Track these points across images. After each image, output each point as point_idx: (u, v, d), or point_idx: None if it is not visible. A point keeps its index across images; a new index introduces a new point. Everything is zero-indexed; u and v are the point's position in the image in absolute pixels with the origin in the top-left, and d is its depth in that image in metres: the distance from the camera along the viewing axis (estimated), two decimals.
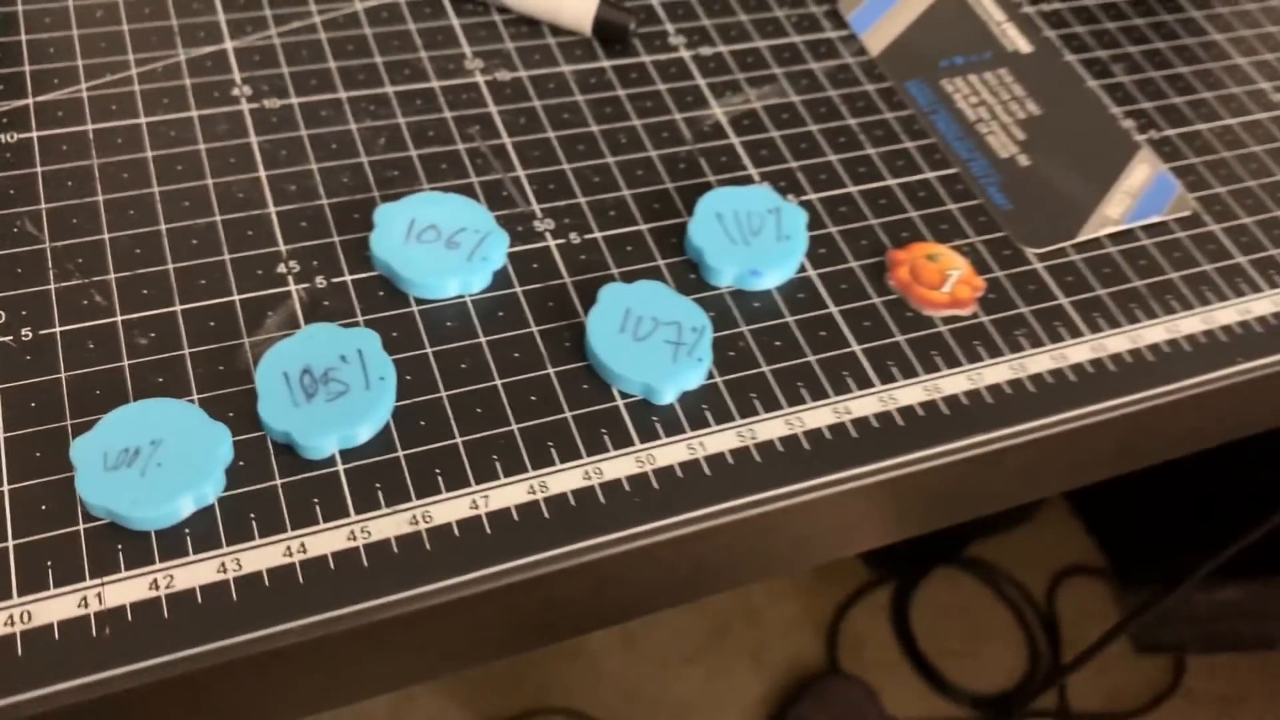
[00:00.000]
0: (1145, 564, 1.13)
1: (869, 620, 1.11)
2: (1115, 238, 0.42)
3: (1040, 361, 0.38)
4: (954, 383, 0.37)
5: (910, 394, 0.37)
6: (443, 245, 0.37)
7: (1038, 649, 1.11)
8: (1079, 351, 0.39)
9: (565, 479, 0.33)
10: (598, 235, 0.39)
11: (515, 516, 0.32)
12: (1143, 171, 0.44)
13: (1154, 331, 0.40)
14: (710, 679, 1.05)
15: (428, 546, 0.31)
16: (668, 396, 0.35)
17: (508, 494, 0.33)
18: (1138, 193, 0.43)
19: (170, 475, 0.31)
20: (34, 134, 0.38)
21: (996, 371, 0.38)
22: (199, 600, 0.30)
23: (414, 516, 0.32)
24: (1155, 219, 0.43)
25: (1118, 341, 0.39)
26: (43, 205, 0.37)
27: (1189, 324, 0.40)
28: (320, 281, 0.36)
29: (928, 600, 1.13)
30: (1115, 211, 0.43)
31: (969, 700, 1.07)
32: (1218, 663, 1.11)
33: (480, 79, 0.43)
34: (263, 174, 0.39)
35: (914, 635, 1.10)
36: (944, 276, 0.39)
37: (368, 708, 0.98)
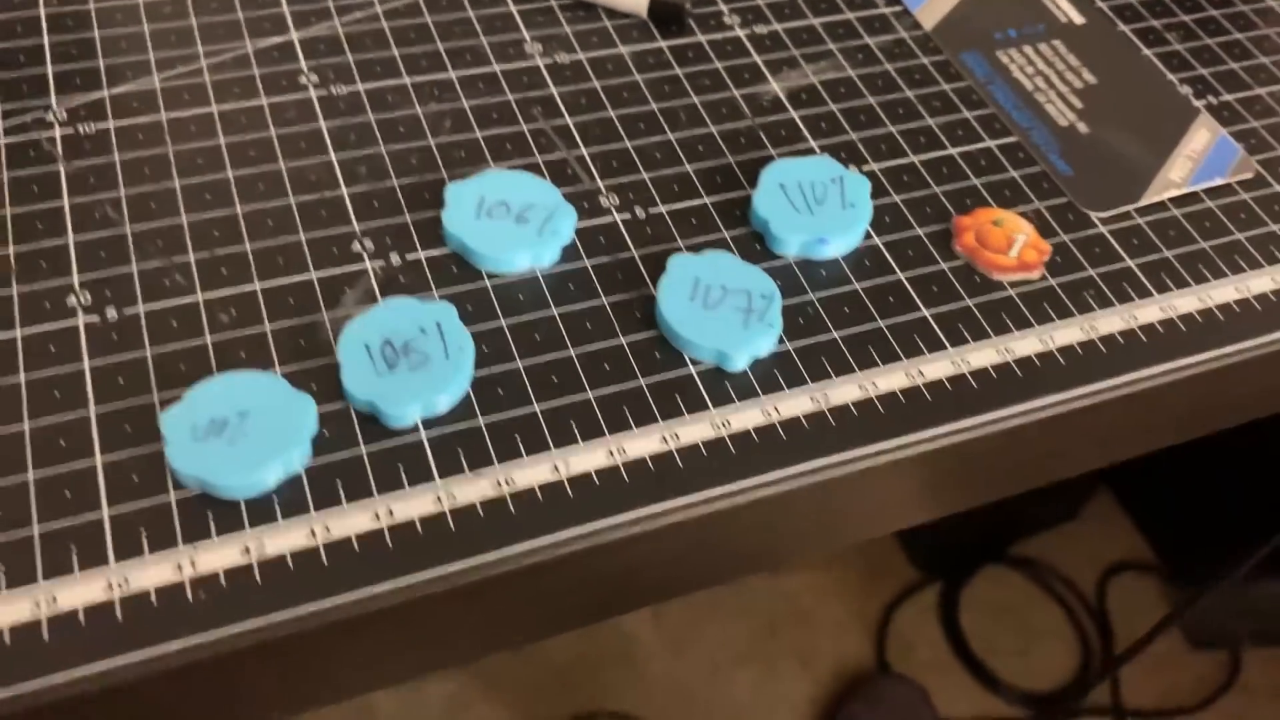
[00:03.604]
0: (1196, 559, 1.12)
1: (917, 621, 1.11)
2: (1178, 201, 0.42)
3: (1111, 322, 0.38)
4: (1026, 344, 0.37)
5: (983, 356, 0.37)
6: (513, 221, 0.37)
7: (1089, 646, 1.10)
8: (1149, 311, 0.39)
9: (643, 443, 0.33)
10: (662, 209, 0.39)
11: (596, 480, 0.33)
12: (1203, 136, 0.44)
13: (1224, 291, 0.39)
14: (760, 681, 1.05)
15: (512, 510, 0.32)
16: (740, 363, 0.35)
17: (587, 458, 0.33)
18: (1199, 156, 0.43)
19: (258, 444, 0.31)
20: (110, 124, 0.39)
21: (1068, 333, 0.38)
22: (290, 565, 0.30)
23: (497, 481, 0.32)
24: (1219, 181, 0.43)
25: (1187, 301, 0.39)
26: (122, 192, 0.37)
27: (1259, 283, 0.40)
28: (394, 259, 0.37)
29: (976, 599, 1.12)
30: (1178, 175, 0.43)
31: (1021, 699, 1.06)
32: (1275, 655, 1.10)
33: (540, 62, 0.43)
34: (333, 157, 0.39)
35: (964, 635, 1.09)
36: (1010, 241, 0.39)
37: (418, 713, 0.98)
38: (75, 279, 0.35)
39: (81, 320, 0.34)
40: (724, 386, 0.35)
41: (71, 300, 0.34)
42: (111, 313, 0.34)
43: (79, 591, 0.29)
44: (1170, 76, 0.47)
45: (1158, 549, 1.15)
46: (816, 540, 0.38)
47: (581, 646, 1.03)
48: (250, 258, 0.36)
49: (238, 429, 0.31)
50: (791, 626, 1.08)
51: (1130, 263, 0.40)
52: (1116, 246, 0.40)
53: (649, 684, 1.03)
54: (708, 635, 1.06)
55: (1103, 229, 0.41)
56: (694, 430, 0.34)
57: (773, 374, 0.36)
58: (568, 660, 1.03)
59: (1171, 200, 0.42)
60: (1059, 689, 1.07)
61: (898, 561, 1.14)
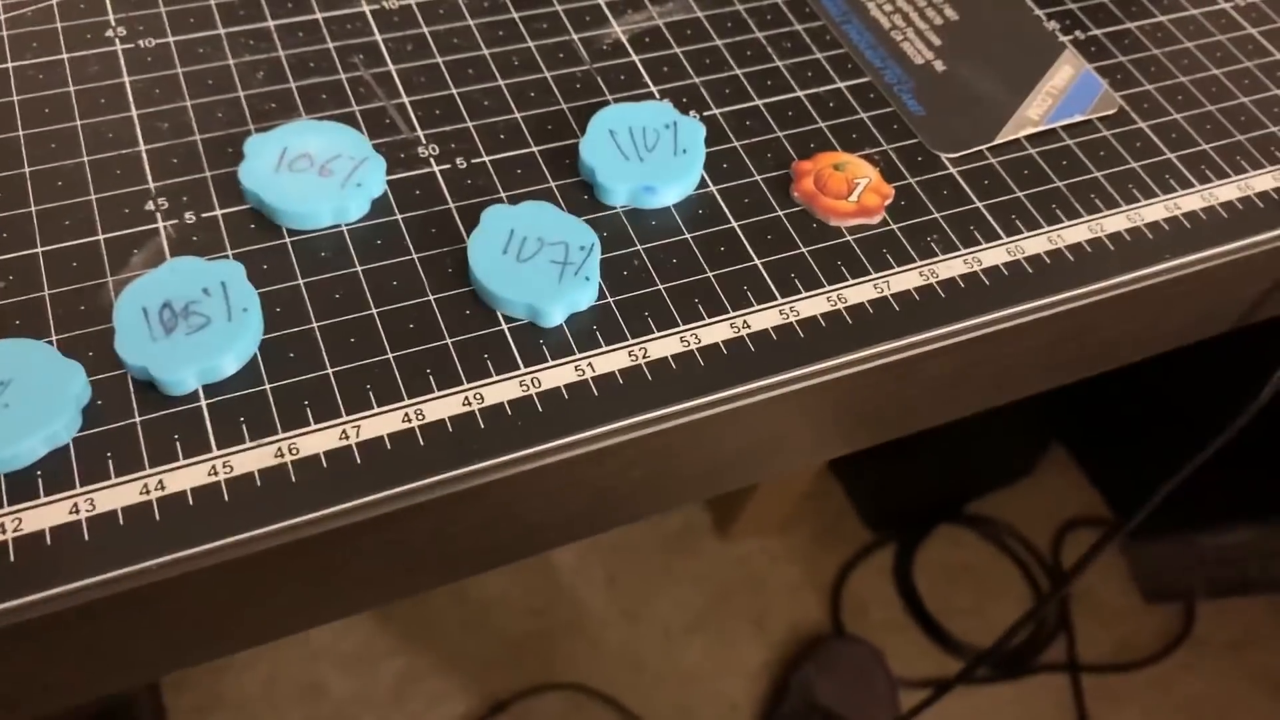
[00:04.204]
0: (1151, 513, 1.11)
1: (872, 582, 1.10)
2: (1035, 139, 0.40)
3: (952, 266, 0.36)
4: (860, 291, 0.35)
5: (813, 305, 0.35)
6: (315, 174, 0.35)
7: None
8: (994, 254, 0.37)
9: (443, 406, 0.32)
10: (485, 159, 0.38)
11: (388, 445, 0.31)
12: (1066, 72, 0.42)
13: (1075, 231, 0.38)
14: (714, 647, 1.04)
15: (293, 478, 0.30)
16: (555, 318, 0.34)
17: (380, 423, 0.31)
18: (1060, 93, 0.41)
19: (19, 415, 0.29)
20: None
21: (906, 279, 0.36)
22: (48, 542, 0.28)
23: (279, 449, 0.30)
24: (1078, 118, 0.41)
25: (1036, 243, 0.37)
26: None
27: (1113, 222, 0.38)
28: (189, 217, 0.35)
29: (931, 559, 1.11)
30: (1036, 112, 0.41)
31: (976, 657, 1.05)
32: (1227, 607, 1.09)
33: (366, 8, 0.41)
34: (134, 113, 0.37)
35: (919, 595, 1.08)
36: (851, 185, 0.38)
37: (370, 688, 0.97)
38: None
39: None
40: (537, 344, 0.33)
41: None
42: None
43: None
44: (1037, 11, 0.45)
45: (1112, 504, 1.14)
46: (648, 500, 0.36)
47: (533, 618, 1.02)
48: (35, 219, 0.34)
49: None
50: (745, 591, 1.08)
51: (979, 204, 0.38)
52: (966, 188, 0.39)
53: (602, 654, 1.02)
54: (660, 603, 1.05)
55: (952, 170, 0.39)
56: (500, 390, 0.32)
57: (591, 329, 0.34)
58: (520, 633, 1.02)
59: (1028, 139, 0.40)
60: (1015, 646, 1.06)
61: (851, 523, 1.13)
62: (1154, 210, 0.38)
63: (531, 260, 0.34)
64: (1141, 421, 1.07)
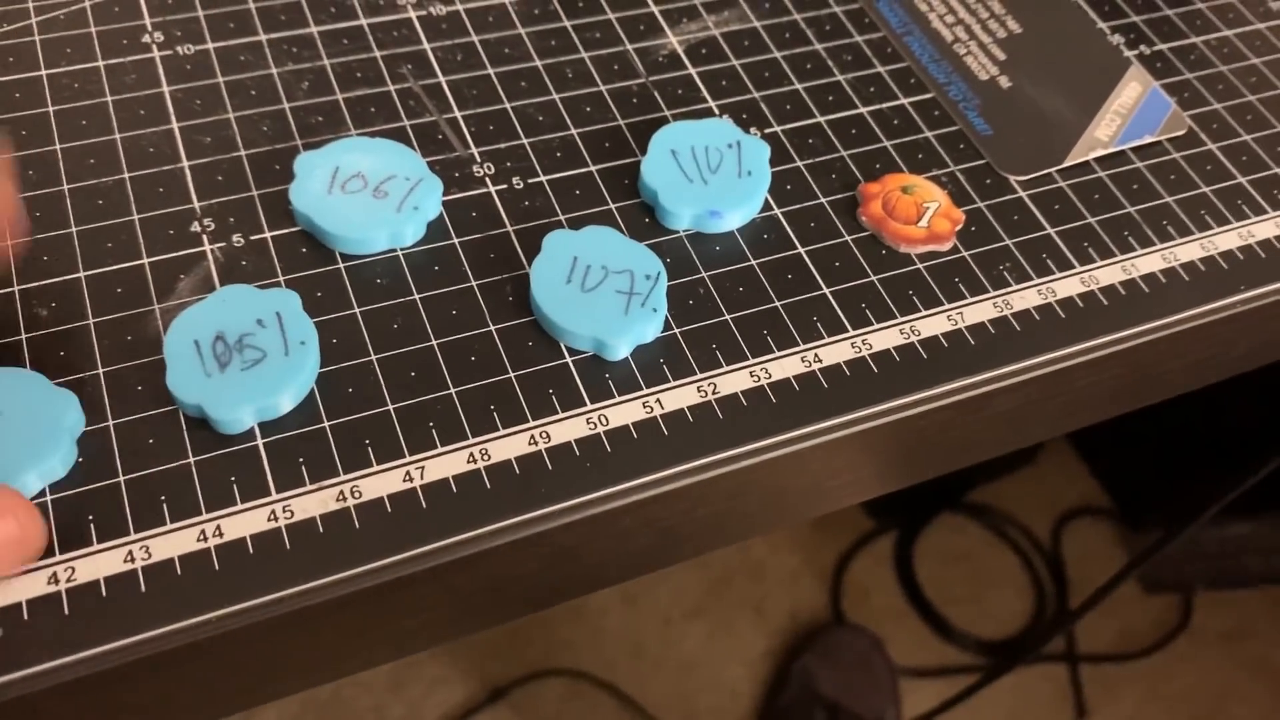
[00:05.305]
0: (1150, 504, 1.11)
1: (872, 570, 1.09)
2: (1105, 161, 0.39)
3: (1026, 297, 0.35)
4: (933, 324, 0.34)
5: (886, 338, 0.34)
6: (369, 195, 0.34)
7: (1044, 593, 1.09)
8: (1068, 285, 0.36)
9: (509, 445, 0.30)
10: (543, 179, 0.36)
11: (454, 488, 0.30)
12: (1134, 90, 0.41)
13: (1149, 260, 0.37)
14: (714, 634, 1.03)
15: (356, 524, 0.29)
16: (621, 351, 0.32)
17: (445, 464, 0.30)
18: (1129, 113, 0.40)
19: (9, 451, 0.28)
20: None
21: (979, 310, 0.35)
22: (103, 593, 0.27)
23: (341, 493, 0.29)
24: (1148, 139, 0.40)
25: (1110, 272, 0.36)
26: None
27: (1187, 251, 0.37)
28: (237, 240, 0.33)
29: (931, 547, 1.11)
30: (1105, 133, 0.39)
31: (976, 646, 1.05)
32: (1225, 599, 1.09)
33: (413, 14, 0.40)
34: (175, 126, 0.35)
35: (918, 583, 1.08)
36: (920, 210, 0.36)
37: (368, 675, 0.97)
38: None
39: None
40: (602, 378, 0.32)
41: None
42: None
43: None
44: (1100, 25, 0.43)
45: (1113, 494, 1.14)
46: (711, 537, 0.35)
47: None
48: (76, 241, 0.33)
49: None
50: (745, 578, 1.07)
51: (1050, 230, 0.37)
52: (1037, 213, 0.37)
53: (602, 639, 1.01)
54: (660, 590, 1.05)
55: (1022, 194, 0.38)
56: (567, 428, 0.31)
57: (657, 363, 0.33)
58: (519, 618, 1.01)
59: (1098, 161, 0.39)
60: (1014, 636, 1.06)
61: (852, 510, 1.12)
62: (1228, 238, 0.37)
63: (596, 290, 0.33)
64: (1142, 413, 1.07)
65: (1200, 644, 1.08)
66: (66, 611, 0.27)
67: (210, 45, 0.38)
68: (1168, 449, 1.06)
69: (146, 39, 0.37)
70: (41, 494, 0.28)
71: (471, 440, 0.30)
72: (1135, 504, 1.13)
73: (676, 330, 0.33)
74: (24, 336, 0.31)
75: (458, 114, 0.37)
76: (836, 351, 0.33)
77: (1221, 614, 1.09)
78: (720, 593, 1.06)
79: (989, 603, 1.09)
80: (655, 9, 0.41)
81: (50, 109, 0.35)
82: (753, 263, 0.35)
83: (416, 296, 0.33)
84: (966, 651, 1.05)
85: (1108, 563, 1.11)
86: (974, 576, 1.10)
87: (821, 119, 0.39)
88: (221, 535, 0.28)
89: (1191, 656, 1.07)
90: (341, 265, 0.33)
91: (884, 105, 0.39)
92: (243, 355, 0.30)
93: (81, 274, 0.32)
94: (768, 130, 0.38)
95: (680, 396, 0.32)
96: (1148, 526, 1.11)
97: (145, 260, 0.32)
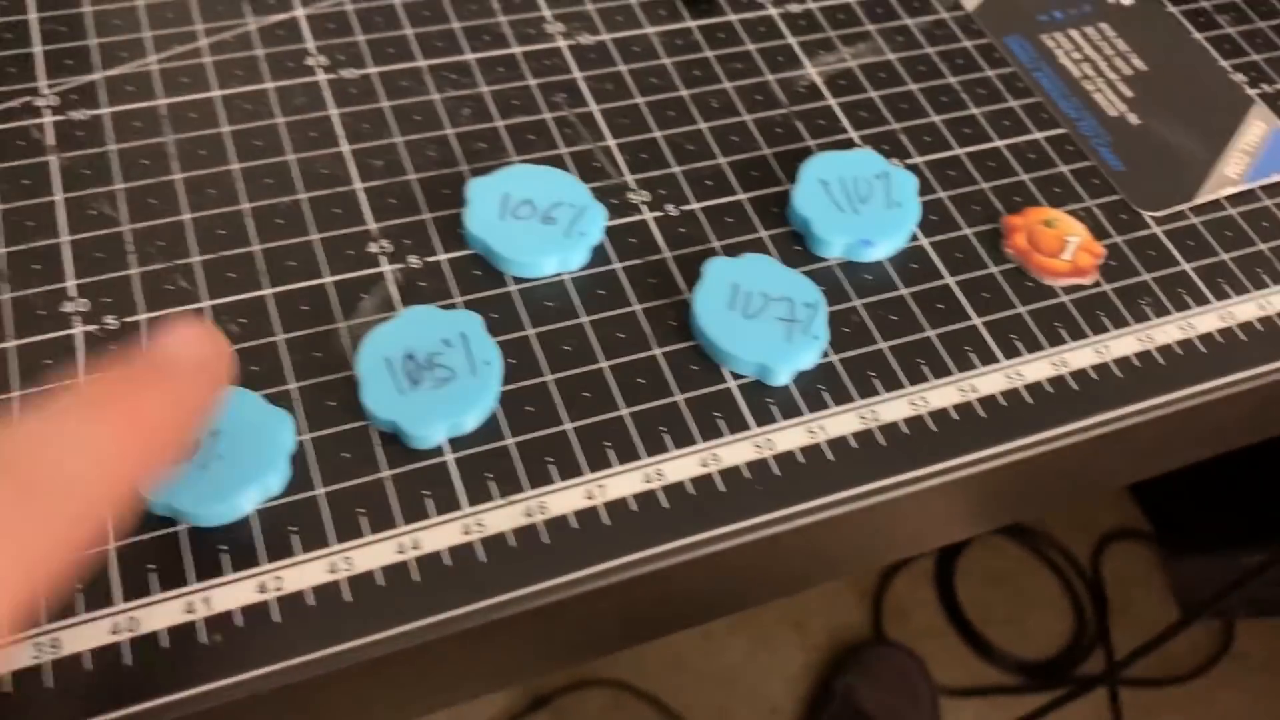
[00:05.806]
0: (1190, 528, 1.12)
1: (913, 588, 1.10)
2: (1235, 199, 0.40)
3: (1168, 332, 0.36)
4: (1081, 356, 0.35)
5: (1037, 369, 0.35)
6: (539, 221, 0.35)
7: (1084, 615, 1.10)
8: (1207, 320, 0.37)
9: (682, 466, 0.31)
10: (695, 206, 0.37)
11: (633, 506, 0.31)
12: (1258, 128, 0.42)
13: None
14: (754, 649, 1.04)
15: (545, 539, 0.30)
16: (783, 377, 0.33)
17: (623, 483, 0.31)
18: (1255, 150, 0.41)
19: (232, 468, 0.29)
20: (105, 110, 0.36)
21: (1124, 344, 0.36)
22: (310, 602, 0.28)
23: (528, 508, 0.30)
24: (1276, 178, 0.41)
25: (1247, 309, 0.37)
26: (118, 185, 0.35)
27: None
28: (414, 261, 0.34)
29: (972, 567, 1.11)
30: (1234, 171, 0.40)
31: (1016, 667, 1.06)
32: (1267, 625, 1.10)
33: (563, 43, 0.41)
34: (345, 148, 0.37)
35: (959, 603, 1.08)
36: (1063, 243, 0.37)
37: None
38: (71, 284, 0.32)
39: (79, 330, 0.32)
40: (765, 403, 0.33)
41: (67, 307, 0.32)
42: (111, 320, 0.32)
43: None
44: (1223, 63, 0.44)
45: (1153, 518, 1.15)
46: (857, 562, 0.36)
47: None
48: (259, 259, 0.34)
49: (210, 451, 0.29)
50: None
51: (1186, 266, 0.38)
52: (1172, 249, 0.38)
53: (642, 652, 1.02)
54: None
55: (1156, 230, 0.39)
56: (736, 451, 0.32)
57: (816, 390, 0.33)
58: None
59: (1228, 199, 0.40)
60: (1053, 657, 1.07)
61: None
62: None
63: (758, 317, 0.34)
64: None
65: (1243, 670, 1.08)
66: (277, 619, 0.28)
67: (371, 70, 0.39)
68: (1208, 472, 1.07)
69: (310, 62, 0.39)
70: None
71: (646, 460, 0.31)
72: (1175, 527, 1.13)
73: (834, 358, 0.34)
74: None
75: (610, 142, 0.38)
76: (991, 382, 0.34)
77: (1264, 640, 1.10)
78: (761, 609, 1.06)
79: (1029, 624, 1.09)
80: (793, 40, 0.42)
81: (224, 129, 0.36)
82: (903, 292, 0.36)
83: (584, 319, 0.34)
84: (1007, 672, 1.06)
85: (1147, 585, 1.12)
86: (1014, 597, 1.11)
87: (960, 151, 0.40)
88: (419, 548, 0.29)
89: (1233, 683, 1.07)
90: (513, 288, 0.34)
91: (1019, 139, 0.41)
92: (433, 374, 0.31)
93: (267, 290, 0.33)
94: (909, 161, 0.39)
95: (843, 423, 0.33)
96: (1187, 550, 1.11)
97: (327, 279, 0.33)
